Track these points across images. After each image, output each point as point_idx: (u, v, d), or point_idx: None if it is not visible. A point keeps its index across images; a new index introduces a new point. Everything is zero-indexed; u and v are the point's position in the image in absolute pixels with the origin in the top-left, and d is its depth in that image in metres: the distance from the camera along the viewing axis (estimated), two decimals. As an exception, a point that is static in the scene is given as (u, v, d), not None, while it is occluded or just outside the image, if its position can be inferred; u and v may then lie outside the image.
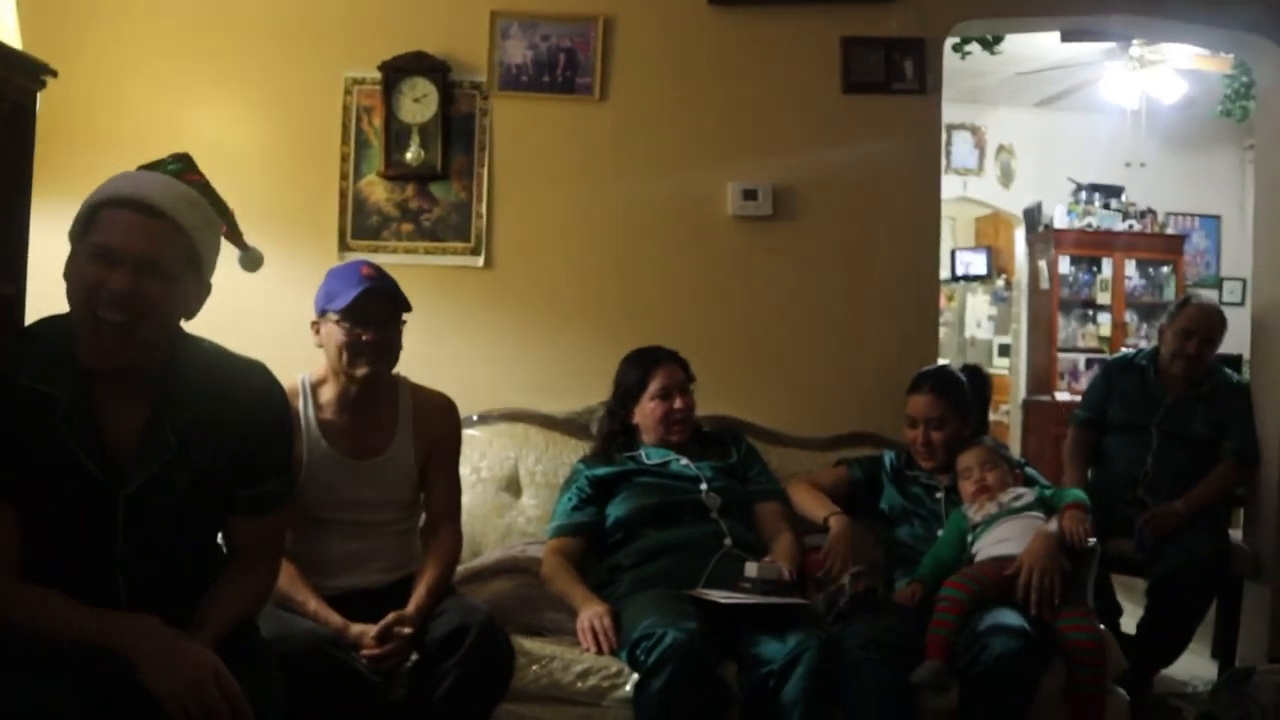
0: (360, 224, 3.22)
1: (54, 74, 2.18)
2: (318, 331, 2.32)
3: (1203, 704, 2.91)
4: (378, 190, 3.23)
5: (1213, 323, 3.54)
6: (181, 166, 1.73)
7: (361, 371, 2.28)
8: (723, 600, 2.29)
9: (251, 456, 1.78)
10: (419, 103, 3.21)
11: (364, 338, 2.26)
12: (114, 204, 1.62)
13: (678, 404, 2.76)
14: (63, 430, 1.60)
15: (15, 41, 2.48)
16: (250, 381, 1.80)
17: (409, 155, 3.20)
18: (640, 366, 2.81)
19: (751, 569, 2.40)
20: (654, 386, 2.77)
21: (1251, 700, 2.78)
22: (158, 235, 1.63)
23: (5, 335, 1.93)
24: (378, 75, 3.19)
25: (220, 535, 1.85)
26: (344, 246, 3.19)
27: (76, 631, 1.56)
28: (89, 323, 1.60)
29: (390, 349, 2.32)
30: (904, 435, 2.89)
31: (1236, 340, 4.05)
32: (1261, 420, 3.55)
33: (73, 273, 1.63)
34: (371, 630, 2.11)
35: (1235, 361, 4.30)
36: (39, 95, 2.17)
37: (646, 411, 2.78)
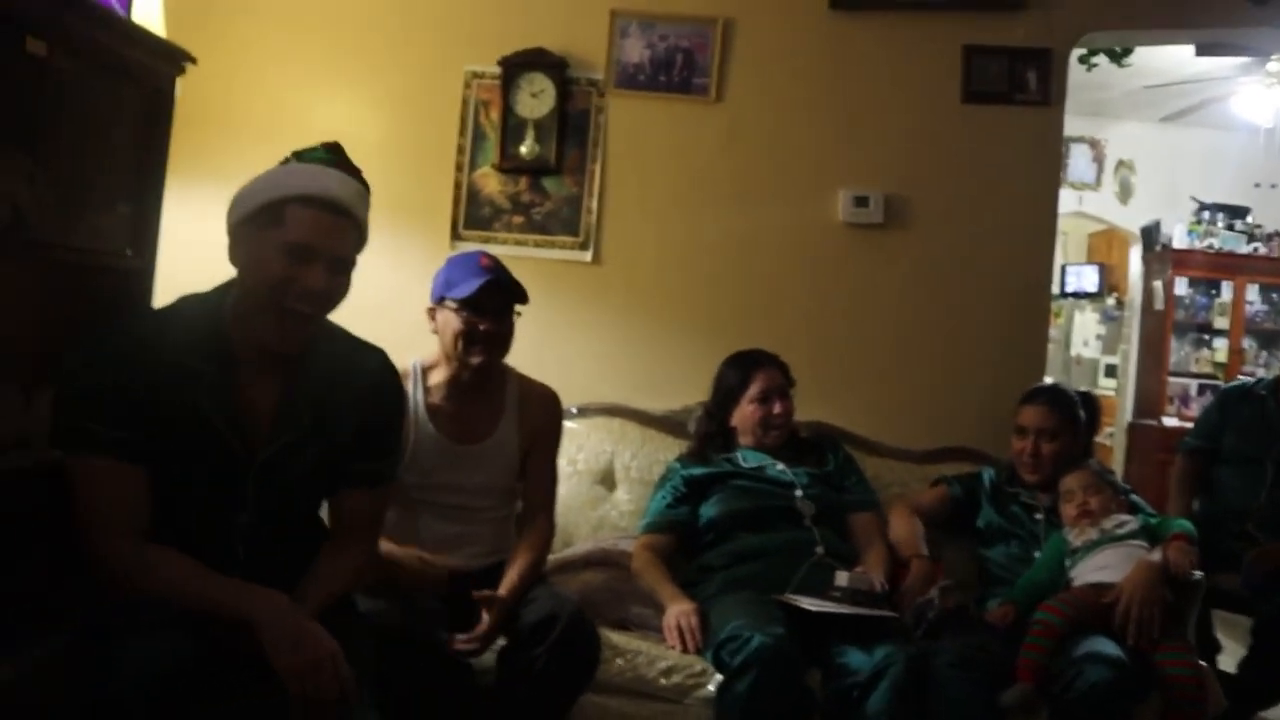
0: (473, 215, 3.29)
1: (194, 61, 2.27)
2: (434, 317, 2.39)
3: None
4: (491, 182, 3.29)
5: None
6: (333, 156, 1.78)
7: (476, 360, 2.33)
8: (812, 608, 2.29)
9: (370, 434, 1.86)
10: (536, 98, 3.27)
11: (481, 327, 2.32)
12: (304, 202, 1.69)
13: (777, 408, 2.76)
14: (203, 403, 1.68)
15: (160, 29, 2.60)
16: (372, 364, 1.89)
17: (524, 149, 3.26)
18: (741, 368, 2.82)
19: (842, 578, 2.39)
20: (754, 389, 2.78)
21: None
22: (346, 233, 1.74)
23: (140, 308, 2.02)
24: (497, 70, 3.26)
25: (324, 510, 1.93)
26: (456, 236, 3.27)
27: (208, 597, 1.62)
28: (275, 312, 1.69)
29: (504, 339, 2.38)
30: (1010, 448, 2.84)
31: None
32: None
33: (255, 262, 1.70)
34: (449, 562, 2.21)
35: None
36: (178, 81, 2.27)
37: (745, 414, 2.79)
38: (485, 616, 2.16)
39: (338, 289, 1.74)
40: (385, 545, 2.17)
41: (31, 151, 1.79)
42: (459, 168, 3.29)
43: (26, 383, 1.78)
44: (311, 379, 1.78)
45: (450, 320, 2.33)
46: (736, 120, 3.28)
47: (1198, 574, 2.49)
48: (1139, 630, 2.34)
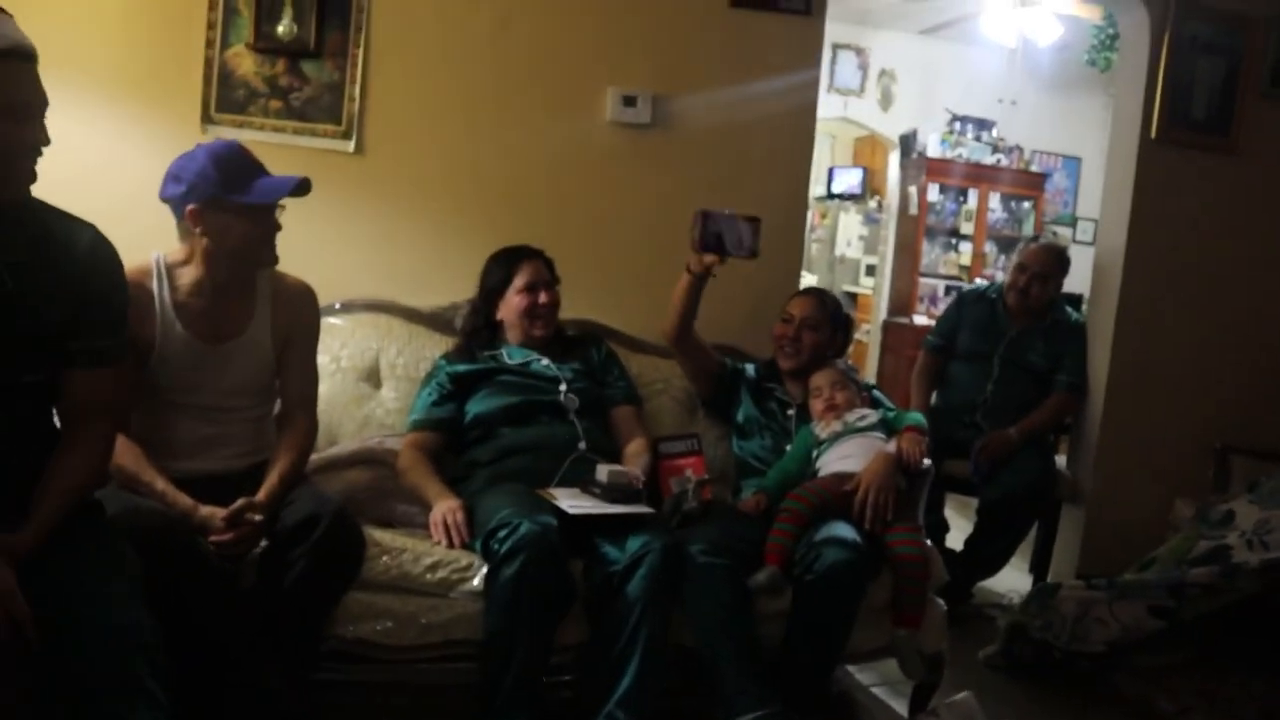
0: (226, 97, 3.07)
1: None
2: (199, 219, 2.19)
3: (1013, 614, 3.15)
4: (246, 62, 3.08)
5: (1048, 261, 3.72)
6: None
7: (268, 259, 2.27)
8: (571, 510, 2.35)
9: (87, 310, 1.78)
10: (295, -27, 3.07)
11: (278, 228, 2.24)
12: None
13: (542, 298, 2.78)
14: None
15: None
16: (81, 237, 1.80)
17: (280, 28, 3.06)
18: (507, 262, 2.82)
19: (602, 473, 2.46)
20: (519, 280, 2.79)
21: (1054, 611, 3.04)
22: (30, 77, 1.65)
23: None
24: (252, -61, 3.03)
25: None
26: (208, 120, 3.05)
27: None
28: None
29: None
30: (774, 335, 2.97)
31: (1083, 280, 4.28)
32: (1092, 356, 3.78)
33: None
34: (221, 513, 2.09)
35: (1078, 300, 4.54)
36: None
37: (511, 305, 2.80)
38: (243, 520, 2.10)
39: (42, 135, 1.67)
40: (130, 465, 2.12)
41: None
42: (209, 44, 3.05)
43: None
44: (7, 244, 1.68)
45: (236, 224, 2.20)
46: (507, 10, 3.19)
47: (927, 462, 2.72)
48: (874, 515, 2.54)
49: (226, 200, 2.18)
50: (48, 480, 1.73)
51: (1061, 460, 3.95)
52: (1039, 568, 3.81)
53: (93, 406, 1.82)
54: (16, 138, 1.61)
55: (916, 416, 2.83)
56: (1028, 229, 7.13)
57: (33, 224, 1.72)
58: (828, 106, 7.02)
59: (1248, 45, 3.64)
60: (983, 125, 7.29)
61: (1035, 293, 3.69)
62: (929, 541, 2.70)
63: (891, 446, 2.68)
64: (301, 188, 2.25)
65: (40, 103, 1.66)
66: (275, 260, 2.30)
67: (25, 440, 1.76)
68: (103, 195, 2.50)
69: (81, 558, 1.70)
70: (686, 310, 2.81)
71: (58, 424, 1.85)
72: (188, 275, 2.26)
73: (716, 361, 2.99)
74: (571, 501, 2.39)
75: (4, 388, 1.71)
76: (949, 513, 3.98)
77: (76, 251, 1.76)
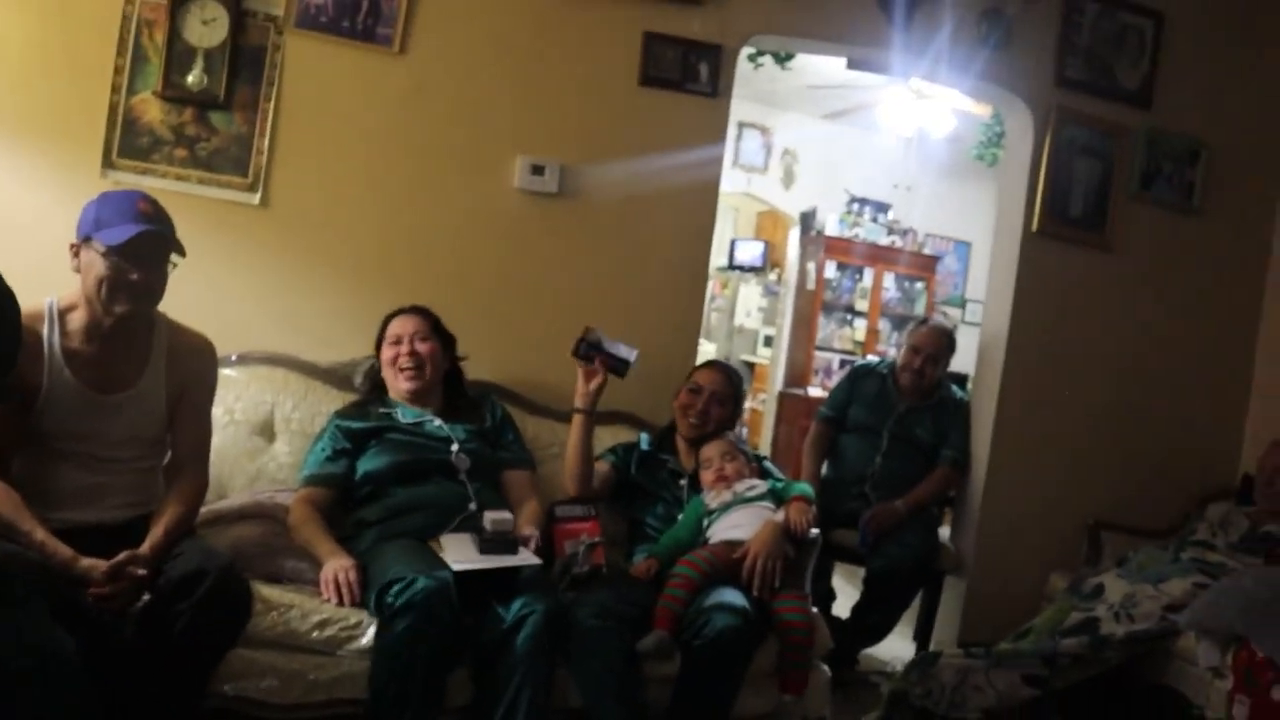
0: (129, 143, 3.05)
1: None
2: (77, 255, 2.21)
3: (895, 681, 3.22)
4: (152, 110, 3.07)
5: (939, 343, 3.90)
6: None
7: (120, 309, 2.20)
8: (456, 566, 2.35)
9: None
10: (207, 25, 3.08)
11: (131, 276, 2.18)
12: None
13: (405, 348, 2.79)
14: None
15: None
16: None
17: (190, 79, 3.07)
18: (387, 318, 2.86)
19: (488, 520, 2.47)
20: (389, 332, 2.83)
21: (934, 679, 3.12)
22: None
23: None
24: (167, -11, 3.03)
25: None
26: (109, 164, 3.02)
27: None
28: None
29: (155, 290, 2.25)
30: (678, 402, 3.02)
31: (969, 359, 4.47)
32: (975, 433, 3.94)
33: None
34: (102, 565, 2.05)
35: (964, 379, 4.72)
36: None
37: (384, 360, 2.83)
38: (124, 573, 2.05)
39: None
40: (8, 512, 2.06)
41: None
42: (115, 89, 3.03)
43: None
44: None
45: (95, 263, 2.18)
46: (421, 76, 3.25)
47: (814, 531, 2.79)
48: (762, 582, 2.60)
49: (90, 239, 2.18)
50: None
51: (945, 532, 4.07)
52: (922, 635, 3.90)
53: None
54: None
55: (803, 487, 2.91)
56: (919, 308, 7.38)
57: None
58: (732, 181, 7.22)
59: (1119, 151, 3.89)
60: (880, 208, 7.56)
61: (928, 373, 3.85)
62: (815, 609, 2.76)
63: (780, 516, 2.75)
64: (151, 238, 2.18)
65: None
66: (128, 314, 2.22)
67: None
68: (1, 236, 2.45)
69: None
70: (586, 453, 2.85)
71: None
72: (76, 320, 2.24)
73: (612, 477, 2.99)
74: (457, 555, 2.40)
75: None
76: (837, 581, 4.06)
77: None
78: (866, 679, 3.63)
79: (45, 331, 2.20)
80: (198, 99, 3.08)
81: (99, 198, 2.24)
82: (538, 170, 3.33)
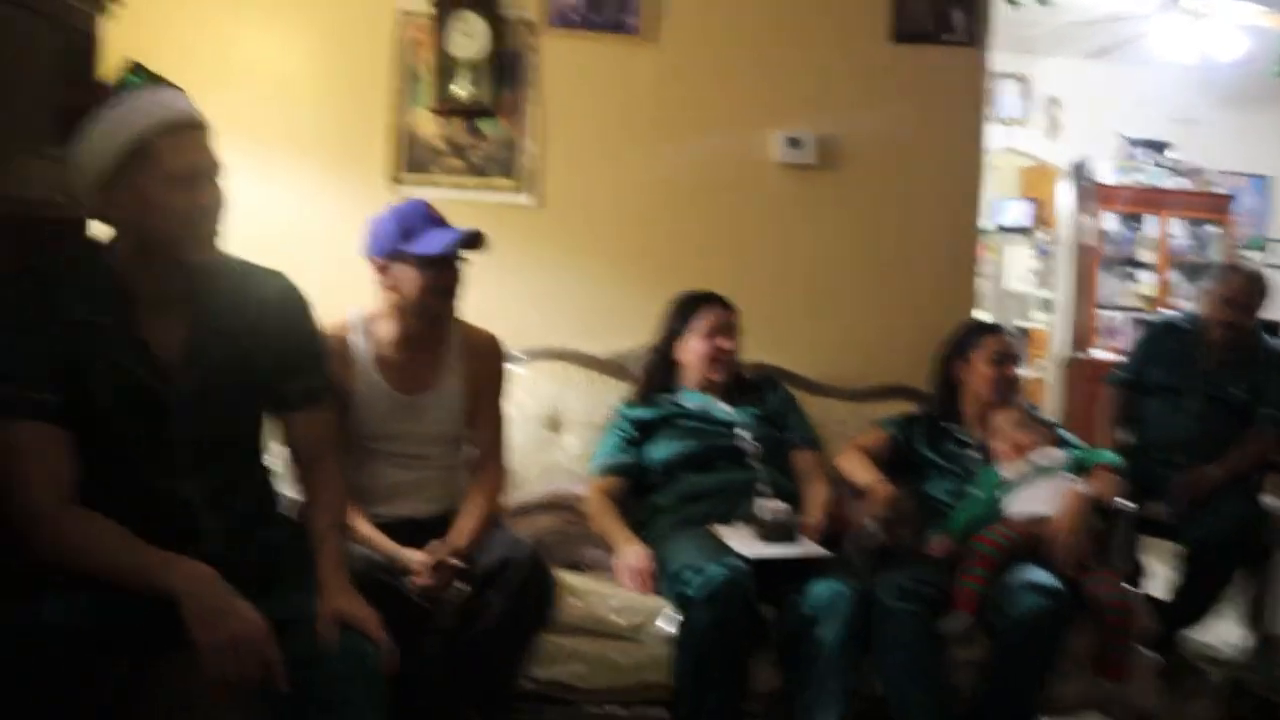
0: (412, 158, 3.23)
1: (118, 1, 2.20)
2: (384, 272, 2.33)
3: (1234, 670, 2.93)
4: (428, 125, 3.23)
5: (1254, 291, 3.53)
6: (149, 75, 1.72)
7: (441, 311, 2.34)
8: (745, 552, 2.33)
9: (292, 354, 1.86)
10: (469, 38, 3.20)
11: (448, 279, 2.32)
12: (167, 130, 1.64)
13: (723, 343, 2.78)
14: (113, 352, 1.66)
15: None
16: (273, 286, 1.87)
17: (459, 90, 3.21)
18: (690, 305, 2.85)
19: (764, 510, 2.44)
20: (701, 324, 2.80)
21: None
22: (209, 142, 1.72)
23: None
24: (429, 9, 3.18)
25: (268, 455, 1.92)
26: (396, 180, 3.21)
27: (129, 566, 1.57)
28: (184, 242, 1.67)
29: (459, 289, 2.37)
30: (977, 375, 2.86)
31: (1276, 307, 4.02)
32: (1300, 389, 3.53)
33: (145, 208, 1.65)
34: (421, 556, 2.18)
35: (1275, 327, 4.27)
36: (104, 22, 2.19)
37: (691, 349, 2.81)
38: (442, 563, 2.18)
39: (222, 196, 1.73)
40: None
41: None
42: (394, 110, 3.22)
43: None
44: (213, 308, 1.76)
45: (409, 274, 2.30)
46: (670, 60, 3.26)
47: (1123, 502, 2.59)
48: (1070, 559, 2.43)
49: (403, 252, 2.29)
50: (312, 526, 1.84)
51: (1269, 501, 3.69)
52: (1253, 618, 3.55)
53: (317, 445, 1.91)
54: (193, 202, 1.67)
55: (1110, 455, 2.71)
56: (1214, 254, 6.75)
57: (227, 282, 1.79)
58: (990, 137, 6.85)
59: None
60: (1158, 147, 6.97)
61: (1243, 324, 3.51)
62: (1128, 585, 2.56)
63: (1084, 486, 2.57)
64: (469, 239, 2.32)
65: (212, 167, 1.71)
66: (450, 313, 2.37)
67: (246, 488, 1.85)
68: (301, 254, 2.63)
69: (308, 589, 1.77)
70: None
71: (270, 468, 1.94)
72: (383, 328, 2.38)
73: (888, 447, 2.88)
74: (742, 543, 2.38)
75: (225, 442, 1.80)
76: (1145, 558, 3.76)
77: (270, 302, 1.84)
78: (1193, 664, 3.34)
79: (354, 340, 2.36)
80: (467, 109, 3.22)
81: (389, 214, 2.36)
82: (794, 143, 3.26)
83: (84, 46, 2.15)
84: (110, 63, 2.11)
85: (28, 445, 1.59)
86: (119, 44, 2.37)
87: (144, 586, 1.55)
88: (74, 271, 1.70)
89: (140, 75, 1.69)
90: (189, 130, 1.68)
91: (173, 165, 1.64)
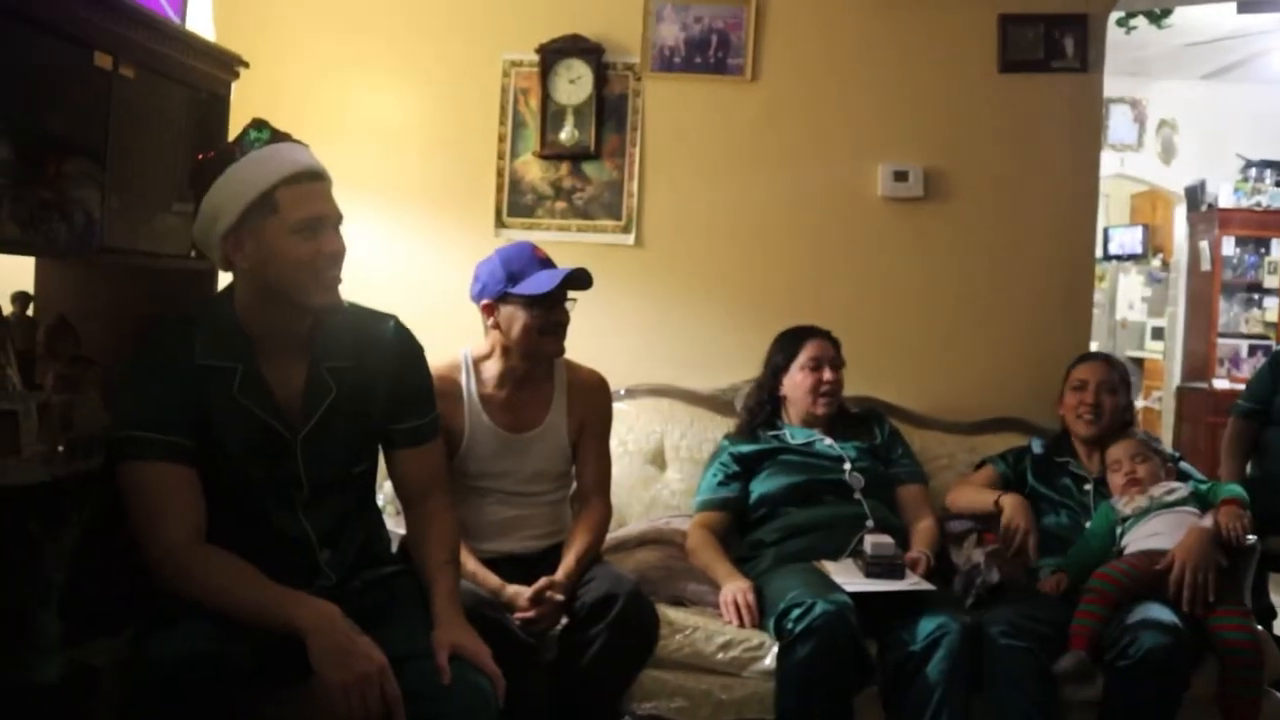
0: (516, 202, 3.33)
1: (246, 65, 2.34)
2: (493, 313, 2.40)
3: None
4: (533, 169, 3.33)
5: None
6: (273, 132, 1.80)
7: (552, 350, 2.40)
8: (850, 588, 2.32)
9: (405, 394, 1.93)
10: (574, 84, 3.29)
11: (557, 318, 2.38)
12: (290, 181, 1.73)
13: (827, 375, 2.79)
14: (240, 395, 1.75)
15: (210, 35, 2.66)
16: (389, 329, 1.94)
17: (564, 135, 3.30)
18: (793, 339, 2.85)
19: (868, 544, 2.42)
20: (804, 357, 2.81)
21: None
22: (330, 192, 1.81)
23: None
24: (535, 57, 3.29)
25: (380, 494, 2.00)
26: (500, 224, 3.31)
27: (254, 600, 1.63)
28: (308, 289, 1.76)
29: (566, 329, 2.43)
30: (1065, 406, 2.83)
31: None
32: None
33: (269, 255, 1.74)
34: (526, 592, 2.22)
35: None
36: (233, 85, 2.33)
37: (795, 382, 2.81)
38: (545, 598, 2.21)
39: (342, 244, 1.80)
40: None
41: (100, 159, 1.87)
42: (500, 155, 3.33)
43: (101, 387, 1.86)
44: (331, 352, 1.84)
45: (519, 316, 2.36)
46: (773, 99, 3.29)
47: (1252, 538, 2.49)
48: (1193, 596, 2.35)
49: (510, 294, 2.35)
50: (426, 560, 1.90)
51: None
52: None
53: (427, 481, 1.98)
54: (315, 249, 1.74)
55: (1235, 488, 2.61)
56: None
57: (345, 327, 1.87)
58: (1102, 164, 6.69)
59: None
60: (1280, 168, 6.72)
61: None
62: (1259, 627, 2.46)
63: (1208, 521, 2.48)
64: (575, 278, 2.37)
65: (333, 216, 1.78)
66: (560, 351, 2.43)
67: (360, 525, 1.92)
68: (412, 297, 2.74)
69: (421, 623, 1.82)
70: None
71: (380, 504, 2.01)
72: (491, 369, 2.45)
73: (996, 484, 2.82)
74: (845, 578, 2.37)
75: (340, 481, 1.88)
76: (1275, 597, 3.60)
77: (385, 344, 1.92)
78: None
79: (463, 380, 2.43)
80: (572, 153, 3.30)
81: (496, 257, 2.42)
82: (901, 176, 3.26)
83: (216, 109, 2.30)
84: (237, 121, 2.25)
85: (162, 485, 1.68)
86: (244, 103, 2.52)
87: (271, 623, 1.62)
88: (203, 319, 1.80)
89: (264, 131, 1.78)
90: (311, 181, 1.76)
91: (296, 215, 1.73)
